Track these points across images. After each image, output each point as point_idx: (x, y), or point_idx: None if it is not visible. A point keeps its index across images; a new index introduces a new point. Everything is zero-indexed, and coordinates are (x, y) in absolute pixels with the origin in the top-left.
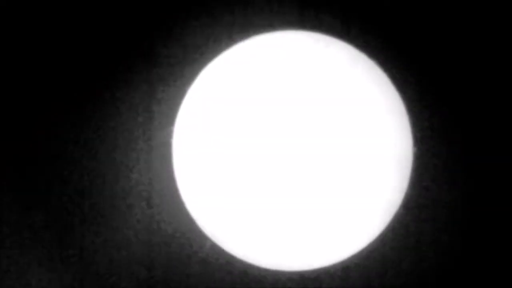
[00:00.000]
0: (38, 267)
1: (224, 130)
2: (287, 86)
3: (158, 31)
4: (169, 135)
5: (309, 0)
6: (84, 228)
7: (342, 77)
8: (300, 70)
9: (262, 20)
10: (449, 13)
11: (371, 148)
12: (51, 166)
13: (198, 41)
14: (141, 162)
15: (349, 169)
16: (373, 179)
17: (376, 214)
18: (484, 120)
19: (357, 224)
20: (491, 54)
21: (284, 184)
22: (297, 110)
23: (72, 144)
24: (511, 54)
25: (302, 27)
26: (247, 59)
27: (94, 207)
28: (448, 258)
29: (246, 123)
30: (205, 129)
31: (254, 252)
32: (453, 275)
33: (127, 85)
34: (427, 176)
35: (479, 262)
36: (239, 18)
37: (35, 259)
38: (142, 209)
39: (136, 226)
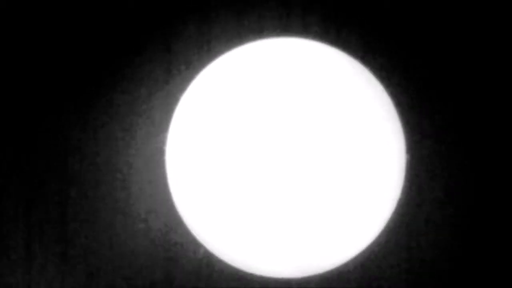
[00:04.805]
0: (35, 270)
1: (217, 137)
2: (281, 92)
3: (151, 38)
4: (162, 142)
5: (307, 7)
6: (76, 233)
7: (336, 83)
8: (295, 76)
9: (257, 26)
10: (443, 20)
11: (365, 153)
12: (45, 170)
13: (191, 48)
14: (135, 168)
15: (343, 175)
16: (367, 185)
17: (371, 219)
18: (478, 126)
19: (352, 229)
20: (485, 62)
21: (279, 191)
22: (292, 116)
23: (66, 149)
24: (507, 62)
25: (298, 34)
26: (241, 66)
27: (86, 213)
28: (444, 261)
29: (240, 129)
30: (198, 136)
31: (248, 258)
32: (450, 277)
33: (120, 92)
34: (420, 182)
35: (476, 263)
36: (233, 25)
37: (32, 263)
38: (135, 216)
39: (129, 233)
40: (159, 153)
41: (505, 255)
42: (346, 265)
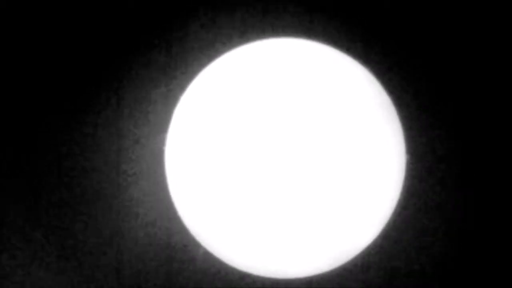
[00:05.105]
0: (36, 272)
1: (217, 137)
2: (281, 92)
3: (151, 38)
4: (162, 142)
5: (305, 8)
6: (76, 234)
7: (336, 84)
8: (295, 76)
9: (255, 27)
10: (442, 20)
11: (365, 154)
12: (45, 171)
13: (191, 49)
14: (134, 169)
15: (343, 175)
16: (367, 185)
17: (371, 219)
18: (479, 125)
19: (352, 229)
20: (485, 62)
21: (278, 191)
22: (291, 116)
23: (66, 149)
24: (507, 62)
25: (297, 35)
26: (241, 66)
27: (86, 213)
28: (444, 261)
29: (240, 129)
30: (198, 136)
31: (248, 259)
32: (450, 278)
33: (120, 92)
34: (419, 182)
35: (476, 263)
36: (233, 25)
37: (32, 265)
38: (135, 217)
39: (128, 234)
40: (159, 153)
41: (505, 255)
42: (346, 265)
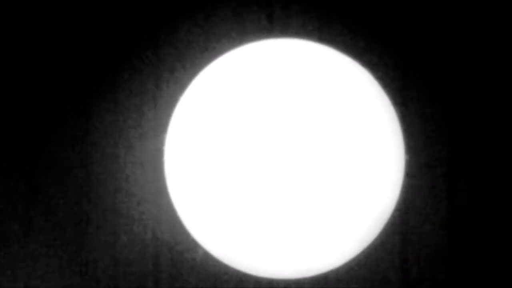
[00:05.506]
0: (37, 270)
1: (216, 138)
2: (281, 93)
3: (151, 38)
4: (161, 142)
5: (305, 9)
6: (75, 234)
7: (336, 84)
8: (295, 77)
9: (255, 28)
10: (442, 20)
11: (364, 154)
12: (45, 171)
13: (190, 49)
14: (134, 169)
15: (343, 175)
16: (367, 185)
17: (370, 220)
18: (478, 126)
19: (352, 230)
20: (485, 62)
21: (278, 192)
22: (291, 117)
23: (66, 150)
24: (507, 62)
25: (297, 35)
26: (240, 66)
27: (85, 214)
28: (443, 261)
29: (239, 130)
30: (197, 136)
31: (247, 259)
32: (449, 278)
33: (120, 93)
34: (419, 182)
35: (475, 264)
36: (233, 25)
37: (34, 263)
38: (134, 217)
39: (128, 234)
40: (158, 153)
41: (506, 254)
42: (346, 265)
